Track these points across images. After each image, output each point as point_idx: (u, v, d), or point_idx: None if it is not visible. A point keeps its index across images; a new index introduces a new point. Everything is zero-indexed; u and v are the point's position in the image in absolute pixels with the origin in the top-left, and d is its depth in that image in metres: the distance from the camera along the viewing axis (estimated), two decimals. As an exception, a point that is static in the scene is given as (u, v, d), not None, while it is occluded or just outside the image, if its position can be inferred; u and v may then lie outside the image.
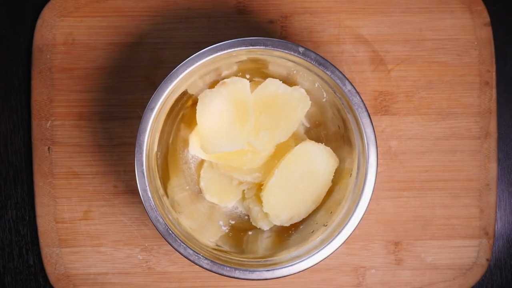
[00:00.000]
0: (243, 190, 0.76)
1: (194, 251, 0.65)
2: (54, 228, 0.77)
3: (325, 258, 0.65)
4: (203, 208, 0.75)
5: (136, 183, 0.64)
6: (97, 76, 0.77)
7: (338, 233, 0.65)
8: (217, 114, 0.69)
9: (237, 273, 0.65)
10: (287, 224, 0.72)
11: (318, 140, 0.73)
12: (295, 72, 0.69)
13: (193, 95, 0.71)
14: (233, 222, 0.76)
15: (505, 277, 0.80)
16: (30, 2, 0.78)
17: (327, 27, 0.77)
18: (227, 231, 0.74)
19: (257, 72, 0.72)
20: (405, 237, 0.78)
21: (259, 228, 0.74)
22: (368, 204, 0.65)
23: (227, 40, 0.65)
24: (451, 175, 0.78)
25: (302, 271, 0.65)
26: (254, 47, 0.65)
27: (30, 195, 0.78)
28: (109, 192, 0.77)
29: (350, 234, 0.65)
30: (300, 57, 0.65)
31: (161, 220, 0.64)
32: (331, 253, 0.65)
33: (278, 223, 0.72)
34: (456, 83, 0.78)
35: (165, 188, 0.69)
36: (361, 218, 0.65)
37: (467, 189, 0.78)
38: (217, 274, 0.65)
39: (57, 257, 0.77)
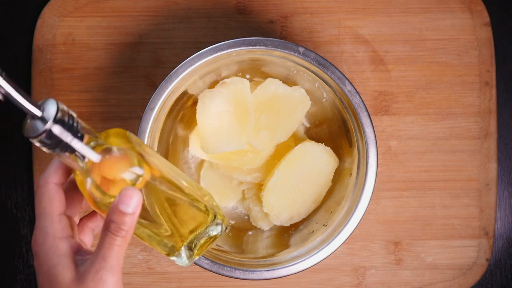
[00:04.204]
0: (243, 190, 0.76)
1: (194, 251, 0.65)
2: (54, 228, 0.77)
3: (325, 258, 0.65)
4: (203, 208, 0.75)
5: (136, 183, 0.64)
6: (97, 76, 0.77)
7: (338, 233, 0.65)
8: (217, 114, 0.69)
9: (237, 273, 0.65)
10: (287, 224, 0.72)
11: (318, 140, 0.73)
12: (295, 72, 0.69)
13: (193, 95, 0.71)
14: (233, 222, 0.76)
15: (505, 277, 0.80)
16: (30, 2, 0.78)
17: (327, 27, 0.77)
18: (227, 231, 0.74)
19: (257, 72, 0.72)
20: (405, 237, 0.78)
21: (259, 228, 0.74)
22: (368, 204, 0.65)
23: (227, 40, 0.65)
24: (451, 175, 0.78)
25: (302, 271, 0.65)
26: (254, 47, 0.65)
27: (30, 195, 0.78)
28: (109, 192, 0.77)
29: (350, 234, 0.65)
30: (300, 57, 0.65)
31: (161, 220, 0.64)
32: (331, 253, 0.65)
33: (278, 223, 0.72)
34: (456, 83, 0.78)
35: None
36: (361, 218, 0.65)
37: (467, 189, 0.78)
38: (217, 274, 0.65)
39: (57, 257, 0.77)
